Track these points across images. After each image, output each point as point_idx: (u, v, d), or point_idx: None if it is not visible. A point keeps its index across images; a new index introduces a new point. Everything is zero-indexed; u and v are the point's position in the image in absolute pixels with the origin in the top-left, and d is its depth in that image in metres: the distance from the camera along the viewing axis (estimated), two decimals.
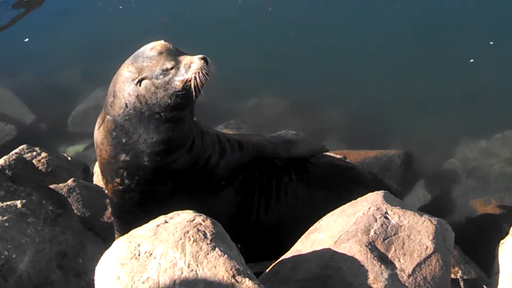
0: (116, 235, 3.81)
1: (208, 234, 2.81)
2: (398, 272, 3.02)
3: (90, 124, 4.15)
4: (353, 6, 8.38)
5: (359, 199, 3.46)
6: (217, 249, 2.74)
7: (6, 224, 3.53)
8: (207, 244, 2.75)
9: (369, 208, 3.29)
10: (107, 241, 3.83)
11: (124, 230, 3.37)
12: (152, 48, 3.44)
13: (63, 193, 4.30)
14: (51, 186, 4.26)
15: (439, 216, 3.39)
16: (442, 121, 6.47)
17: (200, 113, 3.84)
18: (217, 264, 2.69)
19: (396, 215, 3.25)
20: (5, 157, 4.56)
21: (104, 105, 3.57)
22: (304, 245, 3.29)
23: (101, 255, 2.93)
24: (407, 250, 3.11)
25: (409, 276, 3.02)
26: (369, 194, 3.46)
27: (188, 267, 2.68)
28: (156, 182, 3.55)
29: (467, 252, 4.46)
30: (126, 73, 3.44)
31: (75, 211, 4.22)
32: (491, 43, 7.19)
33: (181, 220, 2.90)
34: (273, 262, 3.30)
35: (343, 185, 4.11)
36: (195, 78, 3.32)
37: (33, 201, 3.78)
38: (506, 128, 6.28)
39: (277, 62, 7.54)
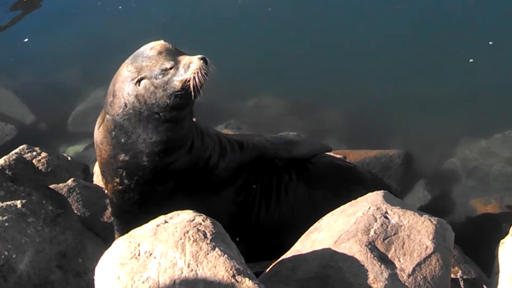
0: (116, 235, 3.81)
1: (208, 234, 2.80)
2: (398, 272, 3.02)
3: (90, 124, 4.14)
4: (353, 6, 8.38)
5: (359, 199, 3.46)
6: (217, 249, 2.74)
7: (6, 224, 3.53)
8: (207, 244, 2.75)
9: (369, 208, 3.29)
10: (107, 241, 3.82)
11: (124, 230, 3.37)
12: (151, 48, 3.44)
13: (63, 193, 4.30)
14: (51, 186, 4.26)
15: (439, 216, 3.39)
16: (442, 121, 6.46)
17: (200, 113, 3.84)
18: (217, 264, 2.69)
19: (396, 215, 3.25)
20: (5, 157, 4.57)
21: (104, 105, 3.58)
22: (304, 245, 3.29)
23: (101, 255, 2.93)
24: (407, 250, 3.11)
25: (409, 276, 3.02)
26: (369, 194, 3.46)
27: (188, 267, 2.68)
28: (156, 182, 3.55)
29: (467, 252, 4.46)
30: (125, 72, 3.44)
31: (75, 211, 4.22)
32: (491, 43, 7.18)
33: (181, 220, 2.89)
34: (273, 262, 3.30)
35: (343, 185, 4.11)
36: (194, 78, 3.31)
37: (33, 201, 3.77)
38: (506, 128, 6.27)
39: (277, 62, 7.53)
